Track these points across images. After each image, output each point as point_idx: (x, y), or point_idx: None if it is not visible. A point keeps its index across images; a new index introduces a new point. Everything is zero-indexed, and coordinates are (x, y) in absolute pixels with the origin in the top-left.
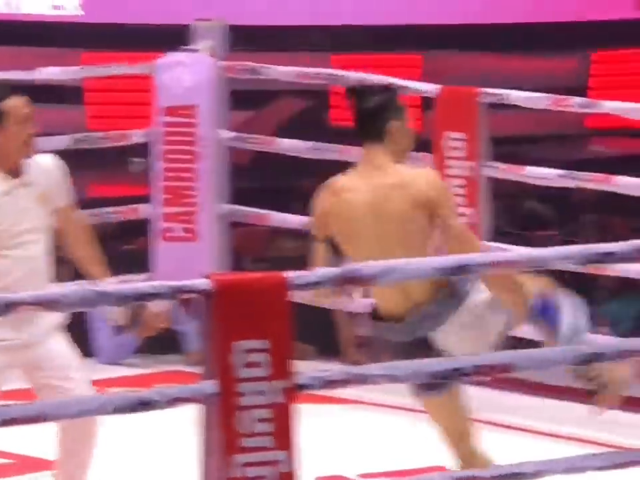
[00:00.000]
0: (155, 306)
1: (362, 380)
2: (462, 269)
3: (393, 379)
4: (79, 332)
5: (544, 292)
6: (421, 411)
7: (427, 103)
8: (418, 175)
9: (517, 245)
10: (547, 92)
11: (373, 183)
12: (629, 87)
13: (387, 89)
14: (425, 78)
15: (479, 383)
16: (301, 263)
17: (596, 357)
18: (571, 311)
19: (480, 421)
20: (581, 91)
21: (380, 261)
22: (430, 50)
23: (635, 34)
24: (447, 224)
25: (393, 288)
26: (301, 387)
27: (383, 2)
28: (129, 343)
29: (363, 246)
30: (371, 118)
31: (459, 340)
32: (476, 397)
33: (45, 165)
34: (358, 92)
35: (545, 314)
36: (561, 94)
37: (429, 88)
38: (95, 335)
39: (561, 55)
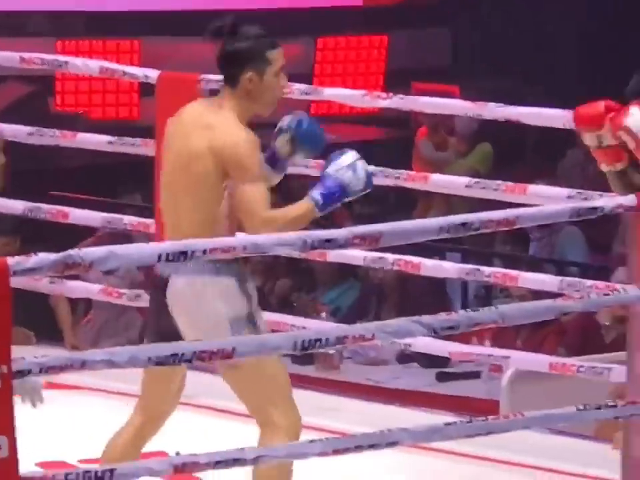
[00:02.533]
0: None
1: (80, 366)
2: (185, 255)
3: (111, 364)
4: None
5: None
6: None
7: (147, 89)
8: (228, 123)
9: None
10: None
11: (184, 120)
12: (353, 73)
13: (257, 38)
14: (144, 64)
15: (200, 368)
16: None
17: (316, 343)
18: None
19: (202, 407)
20: (306, 78)
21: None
22: (149, 36)
23: (358, 21)
24: (236, 187)
25: None
26: (20, 372)
27: None
28: None
29: (162, 194)
30: (227, 62)
31: (187, 325)
32: (197, 382)
33: None
34: (226, 34)
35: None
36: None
37: (149, 73)
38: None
39: (286, 41)
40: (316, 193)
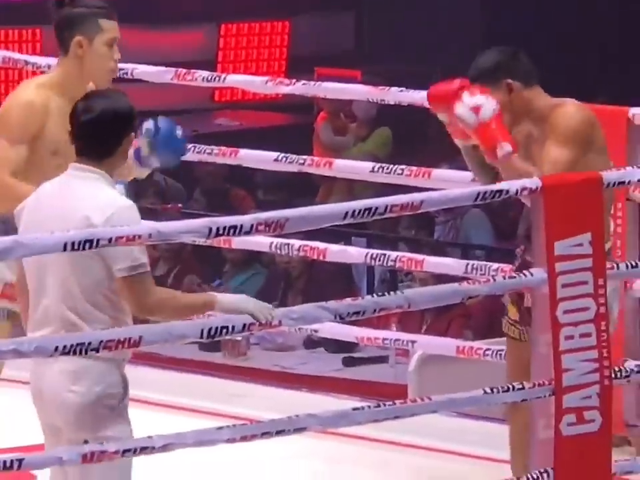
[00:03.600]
0: None
1: None
2: (89, 243)
3: (19, 354)
4: None
5: None
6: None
7: None
8: (26, 84)
9: (145, 219)
10: (177, 66)
11: None
12: (256, 60)
13: (92, 7)
14: (45, 52)
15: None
16: None
17: (223, 331)
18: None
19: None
20: (210, 65)
21: None
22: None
23: (261, 6)
24: None
25: None
26: None
27: None
28: None
29: None
30: (60, 27)
31: None
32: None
33: None
34: (67, 3)
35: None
36: (191, 68)
37: (49, 62)
38: None
39: (189, 28)
40: None
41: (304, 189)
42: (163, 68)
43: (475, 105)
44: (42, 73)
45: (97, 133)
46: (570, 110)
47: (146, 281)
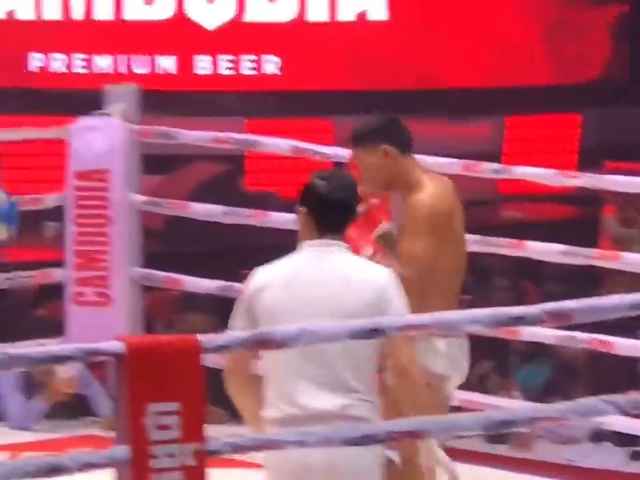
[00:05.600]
0: (63, 372)
1: (272, 445)
2: (377, 332)
3: (303, 444)
4: None
5: None
6: None
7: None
8: None
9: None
10: (462, 157)
11: None
12: (542, 152)
13: None
14: (337, 143)
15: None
16: None
17: (508, 424)
18: None
19: None
20: (495, 157)
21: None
22: (341, 115)
23: (549, 100)
24: None
25: None
26: (213, 452)
27: (288, 67)
28: (37, 408)
29: None
30: None
31: None
32: None
33: None
34: None
35: None
36: (476, 159)
37: (341, 153)
38: (4, 400)
39: (476, 120)
40: None
41: (588, 281)
42: (451, 159)
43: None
44: (333, 164)
45: None
46: (424, 199)
47: None
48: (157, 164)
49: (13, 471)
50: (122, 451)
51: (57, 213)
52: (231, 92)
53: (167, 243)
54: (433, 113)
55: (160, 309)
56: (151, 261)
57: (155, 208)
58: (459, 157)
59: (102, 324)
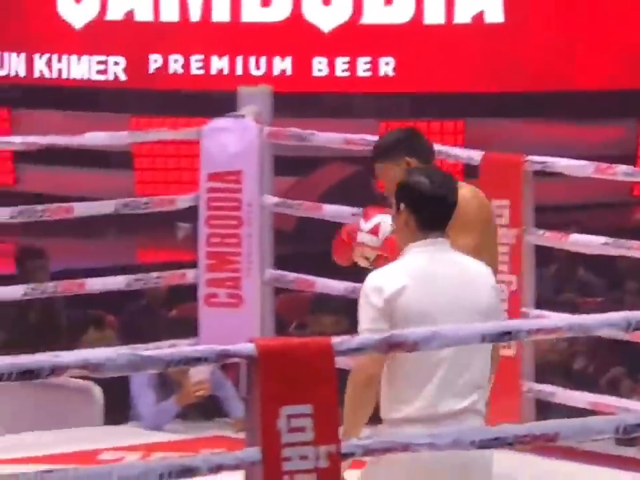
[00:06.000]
0: (196, 373)
1: (404, 447)
2: (508, 335)
3: (434, 446)
4: (122, 396)
5: None
6: None
7: (470, 170)
8: None
9: (564, 312)
10: (596, 160)
11: None
12: None
13: None
14: (468, 144)
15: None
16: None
17: (639, 428)
18: None
19: None
20: (630, 159)
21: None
22: (473, 117)
23: None
24: None
25: None
26: (345, 454)
27: (425, 69)
28: (170, 409)
29: None
30: None
31: None
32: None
33: None
34: None
35: None
36: (611, 162)
37: (472, 155)
38: (137, 400)
39: (610, 123)
40: None
41: None
42: (584, 162)
43: (372, 227)
44: (463, 165)
45: None
46: (466, 194)
47: None
48: (288, 165)
49: (146, 471)
50: (253, 452)
51: (189, 214)
52: (365, 93)
53: (298, 244)
54: (567, 115)
55: (291, 311)
56: (282, 262)
57: (286, 209)
58: (593, 160)
59: (234, 325)
